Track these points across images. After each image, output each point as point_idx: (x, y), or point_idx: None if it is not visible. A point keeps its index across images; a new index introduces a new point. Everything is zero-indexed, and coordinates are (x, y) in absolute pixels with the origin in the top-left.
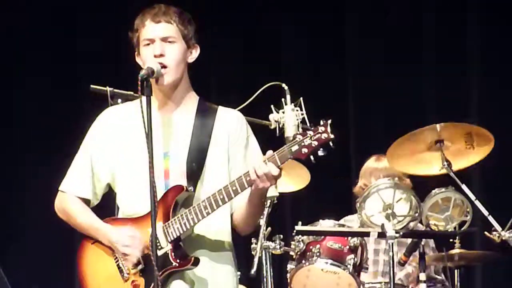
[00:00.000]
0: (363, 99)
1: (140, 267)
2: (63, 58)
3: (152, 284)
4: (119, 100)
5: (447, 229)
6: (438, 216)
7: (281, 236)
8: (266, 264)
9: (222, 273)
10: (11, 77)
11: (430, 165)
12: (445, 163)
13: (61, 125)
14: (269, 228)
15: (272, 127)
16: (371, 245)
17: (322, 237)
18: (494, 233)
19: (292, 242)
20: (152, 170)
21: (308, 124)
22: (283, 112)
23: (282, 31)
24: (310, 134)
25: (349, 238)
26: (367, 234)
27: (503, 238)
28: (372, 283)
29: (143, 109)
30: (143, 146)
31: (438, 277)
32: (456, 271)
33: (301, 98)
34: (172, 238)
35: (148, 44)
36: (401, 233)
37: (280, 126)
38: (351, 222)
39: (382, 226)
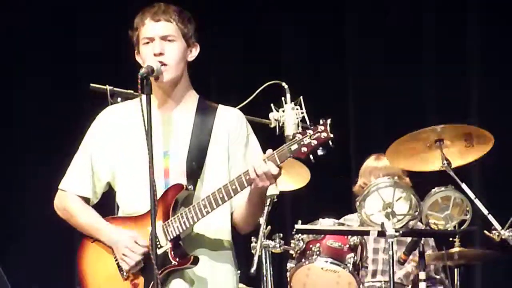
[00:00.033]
0: (363, 99)
1: (139, 266)
2: (63, 58)
3: (152, 283)
4: (119, 99)
5: (447, 228)
6: (437, 215)
7: (281, 234)
8: (266, 262)
9: (222, 272)
10: (11, 77)
11: (430, 163)
12: (445, 162)
13: (61, 125)
14: (269, 227)
15: (272, 126)
16: (371, 244)
17: (322, 236)
18: (494, 232)
19: (292, 241)
20: (152, 169)
21: (308, 123)
22: (283, 111)
23: (282, 31)
24: (309, 133)
25: (349, 237)
26: (367, 233)
27: (503, 237)
28: (371, 282)
29: (143, 107)
30: (143, 144)
31: (437, 276)
32: (455, 270)
33: (301, 97)
34: (172, 237)
35: (148, 43)
36: (401, 232)
37: (280, 125)
38: (351, 221)
39: (382, 225)
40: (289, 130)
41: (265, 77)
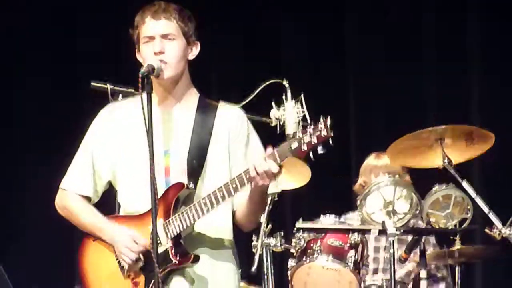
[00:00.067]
0: (364, 97)
1: (140, 264)
2: (63, 58)
3: (153, 281)
4: (120, 97)
5: (448, 226)
6: (438, 213)
7: (282, 233)
8: (267, 261)
9: (223, 270)
10: (11, 77)
11: (431, 160)
12: (446, 160)
13: (61, 125)
14: (269, 225)
15: (273, 124)
16: (372, 242)
17: (323, 234)
18: (495, 230)
19: (293, 239)
20: (153, 168)
21: (308, 121)
22: (284, 109)
23: (282, 28)
24: (309, 132)
25: (350, 235)
26: (368, 231)
27: (504, 235)
28: (372, 280)
29: (144, 106)
30: (144, 143)
31: (439, 274)
32: (456, 268)
33: (302, 95)
34: (173, 236)
35: (148, 41)
36: (402, 230)
37: (281, 123)
38: (351, 220)
39: (383, 223)
40: (290, 129)
41: (266, 75)
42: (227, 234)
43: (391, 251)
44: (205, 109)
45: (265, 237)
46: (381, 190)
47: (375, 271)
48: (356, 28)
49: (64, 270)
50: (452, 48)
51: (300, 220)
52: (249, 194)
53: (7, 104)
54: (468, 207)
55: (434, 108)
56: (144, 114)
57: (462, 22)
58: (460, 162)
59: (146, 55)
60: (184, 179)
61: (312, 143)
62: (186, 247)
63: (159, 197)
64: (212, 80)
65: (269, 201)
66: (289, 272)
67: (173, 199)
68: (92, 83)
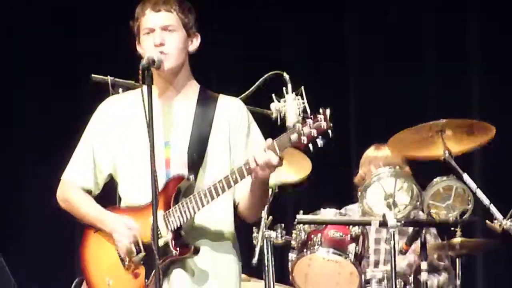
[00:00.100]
0: (364, 97)
1: (141, 255)
2: (63, 58)
3: (153, 273)
4: (120, 90)
5: (448, 218)
6: (439, 205)
7: (283, 225)
8: (267, 253)
9: (224, 262)
10: (11, 77)
11: (432, 150)
12: (446, 152)
13: (61, 125)
14: (270, 218)
15: (274, 116)
16: (372, 234)
17: (324, 226)
18: (496, 222)
19: (294, 232)
20: (154, 160)
21: (309, 113)
22: (285, 101)
23: (282, 28)
24: (309, 123)
25: (351, 227)
26: (369, 223)
27: (504, 227)
28: (373, 272)
29: (144, 99)
30: (144, 135)
31: (441, 263)
32: (457, 259)
33: (302, 87)
34: (173, 227)
35: (149, 33)
36: (403, 222)
37: (282, 115)
38: (352, 211)
39: (384, 215)
40: (291, 121)
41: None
42: (227, 226)
43: (392, 243)
44: (206, 101)
45: (265, 229)
46: (382, 182)
47: (376, 263)
48: (356, 28)
49: (64, 270)
50: (452, 48)
51: (301, 212)
52: (251, 186)
53: (7, 104)
54: (469, 198)
55: (434, 108)
56: (144, 106)
57: (462, 22)
58: (462, 152)
59: (146, 47)
60: (184, 171)
61: (312, 134)
62: (187, 238)
63: (159, 189)
64: (212, 80)
65: (269, 193)
66: (290, 264)
67: (174, 191)
68: (92, 76)
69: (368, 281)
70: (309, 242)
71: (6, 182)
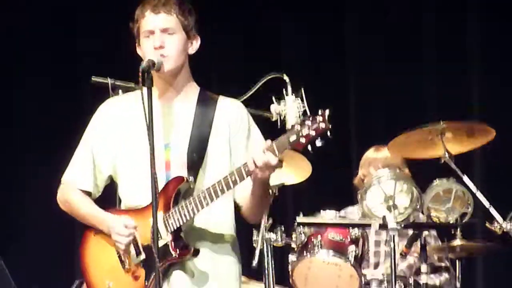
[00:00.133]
0: (364, 97)
1: (141, 257)
2: (63, 58)
3: (153, 275)
4: (120, 92)
5: (448, 220)
6: (439, 207)
7: (283, 227)
8: (267, 256)
9: (223, 264)
10: (11, 77)
11: (432, 151)
12: (446, 154)
13: (61, 125)
14: (270, 220)
15: (274, 118)
16: (372, 236)
17: (324, 228)
18: (496, 224)
19: (293, 234)
20: (153, 162)
21: (308, 114)
22: (285, 104)
23: (282, 28)
24: (308, 124)
25: (351, 229)
26: (369, 225)
27: (504, 230)
28: (373, 274)
29: (144, 101)
30: (144, 137)
31: (442, 264)
32: (457, 262)
33: (303, 89)
34: (173, 229)
35: (148, 36)
36: (403, 224)
37: (282, 117)
38: (352, 214)
39: (384, 218)
40: (291, 123)
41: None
42: (227, 228)
43: (392, 245)
44: (206, 102)
45: (265, 232)
46: (382, 184)
47: (376, 265)
48: (356, 28)
49: (64, 270)
50: (452, 48)
51: (301, 214)
52: (252, 188)
53: (7, 104)
54: (469, 201)
55: (434, 108)
56: (144, 109)
57: (462, 22)
58: (461, 153)
59: (146, 50)
60: (184, 173)
61: (310, 135)
62: (187, 240)
63: (159, 191)
64: (212, 80)
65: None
66: (290, 267)
67: (173, 193)
68: (92, 78)
69: (368, 283)
70: (309, 244)
71: (6, 182)
